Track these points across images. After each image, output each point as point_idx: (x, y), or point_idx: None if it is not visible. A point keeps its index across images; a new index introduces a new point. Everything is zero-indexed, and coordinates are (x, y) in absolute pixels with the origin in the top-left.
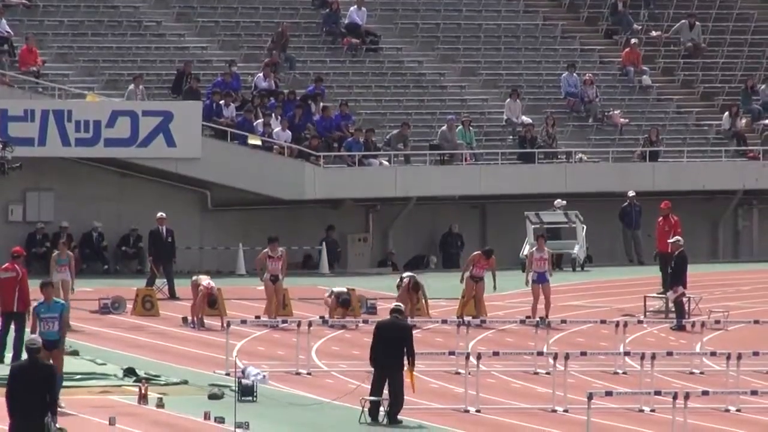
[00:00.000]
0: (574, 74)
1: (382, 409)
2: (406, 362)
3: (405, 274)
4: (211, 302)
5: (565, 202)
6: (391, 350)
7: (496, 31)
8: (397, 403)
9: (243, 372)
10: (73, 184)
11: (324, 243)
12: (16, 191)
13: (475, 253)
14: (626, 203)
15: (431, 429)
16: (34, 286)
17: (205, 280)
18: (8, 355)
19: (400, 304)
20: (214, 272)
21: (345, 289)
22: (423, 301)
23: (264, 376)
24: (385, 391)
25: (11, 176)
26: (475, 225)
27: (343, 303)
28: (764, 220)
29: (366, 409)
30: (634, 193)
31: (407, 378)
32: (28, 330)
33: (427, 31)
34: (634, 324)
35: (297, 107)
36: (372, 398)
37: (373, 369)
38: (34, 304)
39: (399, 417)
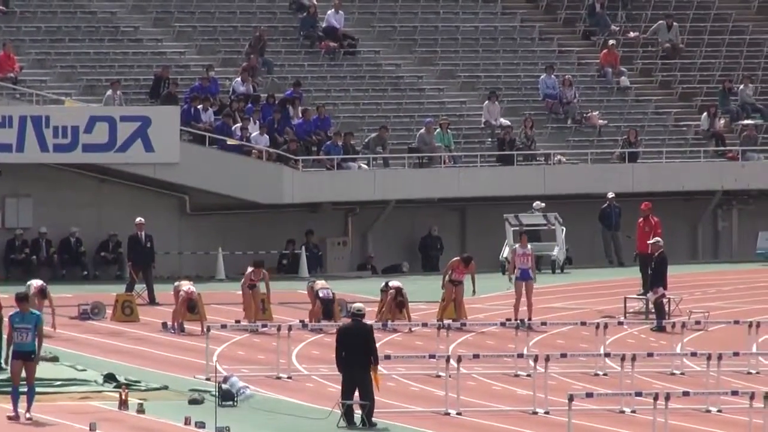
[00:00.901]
0: (552, 76)
1: (357, 412)
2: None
3: (392, 283)
4: (190, 307)
5: (543, 204)
6: (355, 353)
7: (473, 33)
8: (369, 404)
9: (225, 379)
10: (52, 189)
11: (304, 247)
12: None
13: (454, 259)
14: (606, 204)
15: None
16: (10, 293)
17: (186, 286)
18: None
19: (360, 305)
20: (194, 277)
21: (331, 296)
22: (406, 312)
23: (248, 392)
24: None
25: None
26: (454, 228)
27: (326, 314)
28: (744, 220)
29: (342, 413)
30: (613, 195)
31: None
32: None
33: (405, 34)
34: (614, 325)
35: (275, 111)
36: (346, 401)
37: (340, 373)
38: (9, 312)
39: (372, 419)
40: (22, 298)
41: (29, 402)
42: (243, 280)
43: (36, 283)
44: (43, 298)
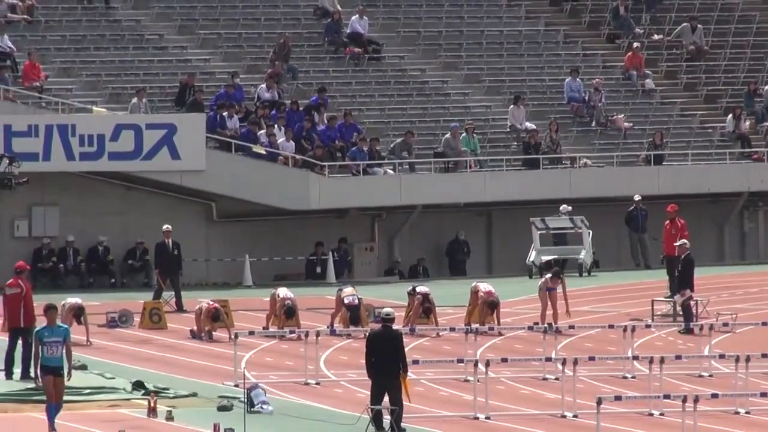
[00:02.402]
0: (577, 79)
1: (386, 417)
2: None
3: (419, 288)
4: (214, 317)
5: (570, 207)
6: (385, 359)
7: (498, 37)
8: (398, 409)
9: (251, 389)
10: (79, 198)
11: (332, 252)
12: (22, 206)
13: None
14: (632, 207)
15: None
16: (38, 301)
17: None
18: (17, 371)
19: (389, 310)
20: (221, 284)
21: (356, 302)
22: (433, 317)
23: (268, 409)
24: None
25: (17, 191)
26: (481, 232)
27: (353, 320)
28: None
29: (371, 419)
30: (640, 197)
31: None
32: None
33: (430, 39)
34: (642, 328)
35: (306, 119)
36: (375, 407)
37: (370, 379)
38: (37, 327)
39: (402, 425)
40: (50, 308)
41: (53, 417)
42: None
43: (72, 301)
44: (75, 317)
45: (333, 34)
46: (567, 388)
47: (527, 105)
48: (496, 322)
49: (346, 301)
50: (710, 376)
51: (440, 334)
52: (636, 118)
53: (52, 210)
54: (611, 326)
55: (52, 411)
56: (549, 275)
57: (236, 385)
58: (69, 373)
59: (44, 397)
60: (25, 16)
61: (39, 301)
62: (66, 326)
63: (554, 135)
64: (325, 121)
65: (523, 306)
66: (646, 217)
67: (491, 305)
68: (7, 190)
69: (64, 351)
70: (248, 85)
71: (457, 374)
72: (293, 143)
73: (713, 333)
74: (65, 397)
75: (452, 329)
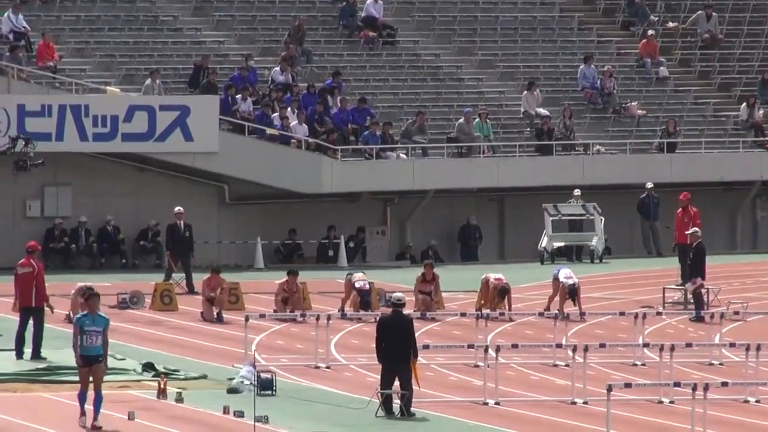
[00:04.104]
0: (591, 66)
1: (396, 402)
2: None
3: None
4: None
5: (579, 192)
6: (395, 344)
7: (512, 23)
8: (408, 393)
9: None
10: (91, 179)
11: (351, 240)
12: (34, 186)
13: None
14: (644, 194)
15: (450, 422)
16: (50, 281)
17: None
18: (27, 351)
19: (400, 295)
20: (233, 266)
21: (368, 287)
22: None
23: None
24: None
25: (29, 171)
26: (493, 217)
27: (363, 305)
28: None
29: (381, 403)
30: (652, 185)
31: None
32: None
33: (444, 24)
34: (652, 315)
35: (318, 103)
36: (385, 391)
37: (380, 364)
38: (77, 315)
39: (412, 409)
40: (92, 296)
41: (97, 409)
42: (277, 290)
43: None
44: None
45: (348, 17)
46: (577, 374)
47: (541, 91)
48: (507, 307)
49: (357, 285)
50: (720, 364)
51: (449, 319)
52: (649, 105)
53: (65, 190)
54: (622, 313)
55: (84, 398)
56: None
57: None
58: (105, 362)
59: (54, 378)
60: None
61: (50, 282)
62: (106, 316)
63: (568, 121)
64: (339, 105)
65: (535, 292)
66: (658, 205)
67: (502, 291)
68: (23, 172)
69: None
70: (262, 67)
71: (468, 359)
72: (306, 126)
73: (724, 321)
74: (75, 378)
75: (463, 314)
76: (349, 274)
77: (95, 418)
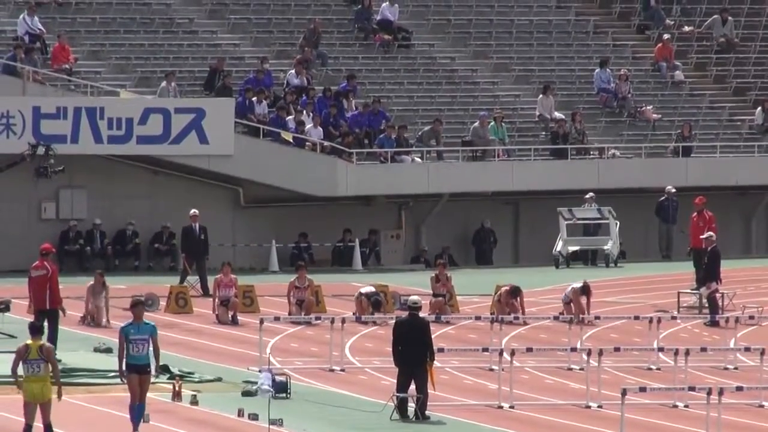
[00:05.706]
0: (607, 70)
1: (411, 405)
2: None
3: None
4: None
5: (593, 194)
6: (412, 347)
7: (528, 27)
8: (422, 397)
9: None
10: (106, 181)
11: (363, 243)
12: (49, 189)
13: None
14: (664, 197)
15: (465, 425)
16: (65, 284)
17: (365, 290)
18: None
19: (416, 298)
20: (247, 269)
21: (373, 289)
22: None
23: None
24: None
25: (49, 178)
26: (507, 221)
27: (375, 305)
28: None
29: (396, 406)
30: (673, 189)
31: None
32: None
33: (459, 28)
34: (667, 320)
35: (332, 106)
36: (400, 395)
37: (397, 367)
38: (122, 324)
39: (426, 413)
40: (137, 304)
41: (137, 419)
42: (288, 286)
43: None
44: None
45: (363, 20)
46: (592, 378)
47: (556, 95)
48: (520, 310)
49: (363, 291)
50: (735, 368)
51: (464, 323)
52: (665, 109)
53: (80, 193)
54: (637, 317)
55: (137, 412)
56: (578, 286)
57: (261, 371)
58: (157, 369)
59: (68, 380)
60: None
61: (64, 284)
62: (153, 324)
63: (578, 125)
64: (354, 108)
65: (549, 296)
66: (676, 209)
67: (513, 291)
68: (44, 178)
69: (151, 348)
70: (277, 70)
71: (482, 363)
72: (321, 129)
73: (739, 326)
74: (90, 380)
75: (477, 318)
76: (359, 293)
77: (135, 429)
